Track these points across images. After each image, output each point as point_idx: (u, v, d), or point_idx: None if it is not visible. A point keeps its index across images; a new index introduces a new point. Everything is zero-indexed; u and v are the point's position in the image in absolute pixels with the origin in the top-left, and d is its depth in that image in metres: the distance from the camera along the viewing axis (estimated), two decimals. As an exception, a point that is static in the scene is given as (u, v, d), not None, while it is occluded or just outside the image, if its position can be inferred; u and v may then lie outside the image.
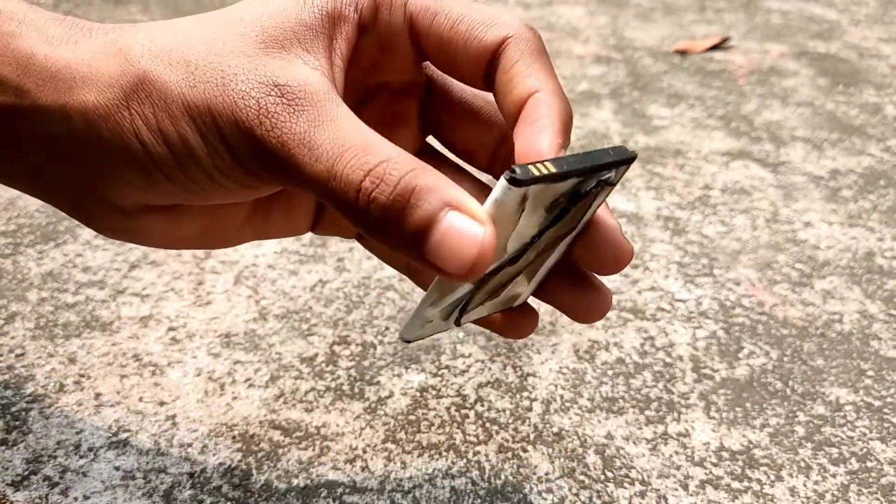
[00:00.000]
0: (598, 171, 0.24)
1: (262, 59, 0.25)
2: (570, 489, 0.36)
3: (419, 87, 0.30)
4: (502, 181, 0.22)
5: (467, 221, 0.22)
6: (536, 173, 0.22)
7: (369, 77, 0.29)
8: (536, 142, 0.24)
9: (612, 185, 0.26)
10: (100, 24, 0.28)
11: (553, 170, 0.23)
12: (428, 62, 0.29)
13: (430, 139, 0.32)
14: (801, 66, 0.98)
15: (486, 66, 0.26)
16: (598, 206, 0.27)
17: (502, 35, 0.26)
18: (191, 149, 0.25)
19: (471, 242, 0.22)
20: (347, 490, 0.35)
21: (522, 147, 0.25)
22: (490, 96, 0.28)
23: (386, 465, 0.37)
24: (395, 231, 0.23)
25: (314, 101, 0.24)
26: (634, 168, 0.68)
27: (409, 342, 0.30)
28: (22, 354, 0.41)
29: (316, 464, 0.36)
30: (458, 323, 0.28)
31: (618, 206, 0.62)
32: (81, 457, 0.36)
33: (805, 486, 0.38)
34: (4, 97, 0.26)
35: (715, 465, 0.38)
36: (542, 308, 0.48)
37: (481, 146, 0.30)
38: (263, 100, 0.24)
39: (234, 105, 0.24)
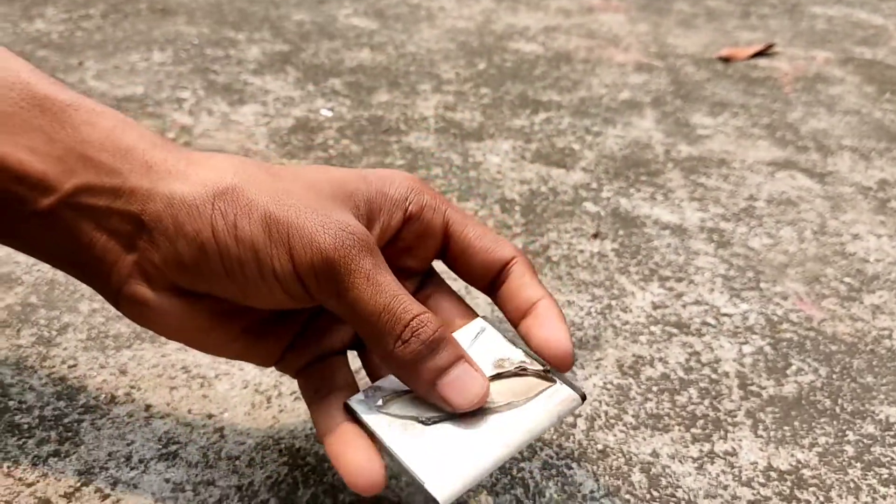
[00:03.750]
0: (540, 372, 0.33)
1: (332, 208, 0.30)
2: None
3: (422, 273, 0.37)
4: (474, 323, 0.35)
5: (473, 372, 0.31)
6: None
7: (397, 257, 0.35)
8: (555, 332, 0.33)
9: (579, 398, 0.33)
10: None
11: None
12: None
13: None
14: (847, 72, 0.97)
15: (495, 273, 0.35)
16: (546, 420, 0.32)
17: (510, 255, 0.35)
18: (257, 250, 0.29)
19: (479, 385, 0.31)
20: (392, 505, 0.35)
21: (546, 335, 0.33)
22: (489, 250, 0.35)
23: (430, 481, 0.37)
24: (422, 365, 0.30)
25: (373, 249, 0.30)
26: (678, 179, 0.68)
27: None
28: (74, 365, 0.42)
29: (361, 478, 0.37)
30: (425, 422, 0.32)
31: (661, 218, 0.61)
32: (132, 468, 0.36)
33: (856, 508, 0.37)
34: (94, 178, 0.30)
35: (763, 485, 0.38)
36: (586, 322, 0.48)
37: (481, 279, 0.36)
38: (339, 234, 0.29)
39: (314, 230, 0.29)
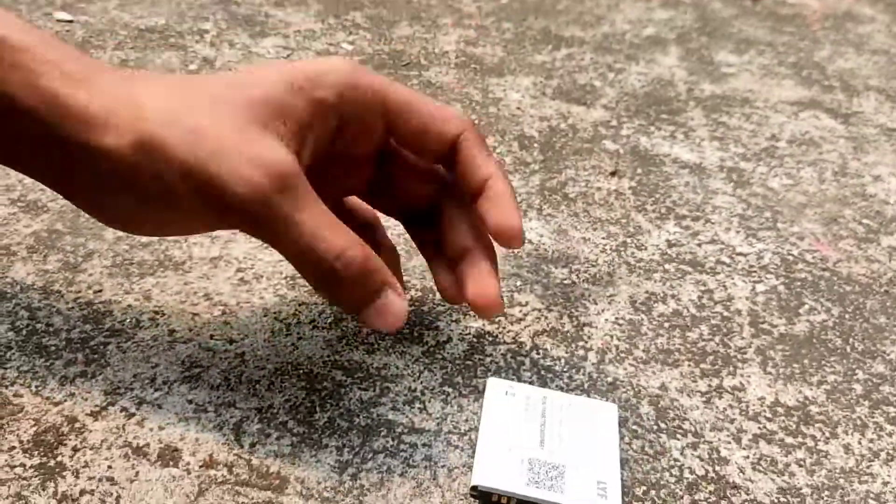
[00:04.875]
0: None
1: (250, 136, 0.31)
2: (622, 438, 0.37)
3: (377, 153, 0.38)
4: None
5: (396, 297, 0.33)
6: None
7: (345, 148, 0.36)
8: (506, 216, 0.35)
9: None
10: (112, 66, 0.34)
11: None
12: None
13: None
14: (877, 11, 0.95)
15: (447, 151, 0.36)
16: None
17: (458, 131, 0.36)
18: (178, 198, 0.31)
19: (400, 308, 0.33)
20: (406, 430, 0.37)
21: (497, 220, 0.35)
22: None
23: (443, 408, 0.38)
24: (348, 297, 0.33)
25: (293, 184, 0.31)
26: (699, 117, 0.67)
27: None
28: (100, 291, 0.43)
29: (376, 404, 0.38)
30: None
31: (680, 156, 0.61)
32: (157, 390, 0.38)
33: (860, 443, 0.38)
34: (36, 128, 0.31)
35: (769, 419, 0.39)
36: (601, 259, 0.49)
37: (422, 197, 0.39)
38: (251, 180, 0.30)
39: (227, 179, 0.30)
